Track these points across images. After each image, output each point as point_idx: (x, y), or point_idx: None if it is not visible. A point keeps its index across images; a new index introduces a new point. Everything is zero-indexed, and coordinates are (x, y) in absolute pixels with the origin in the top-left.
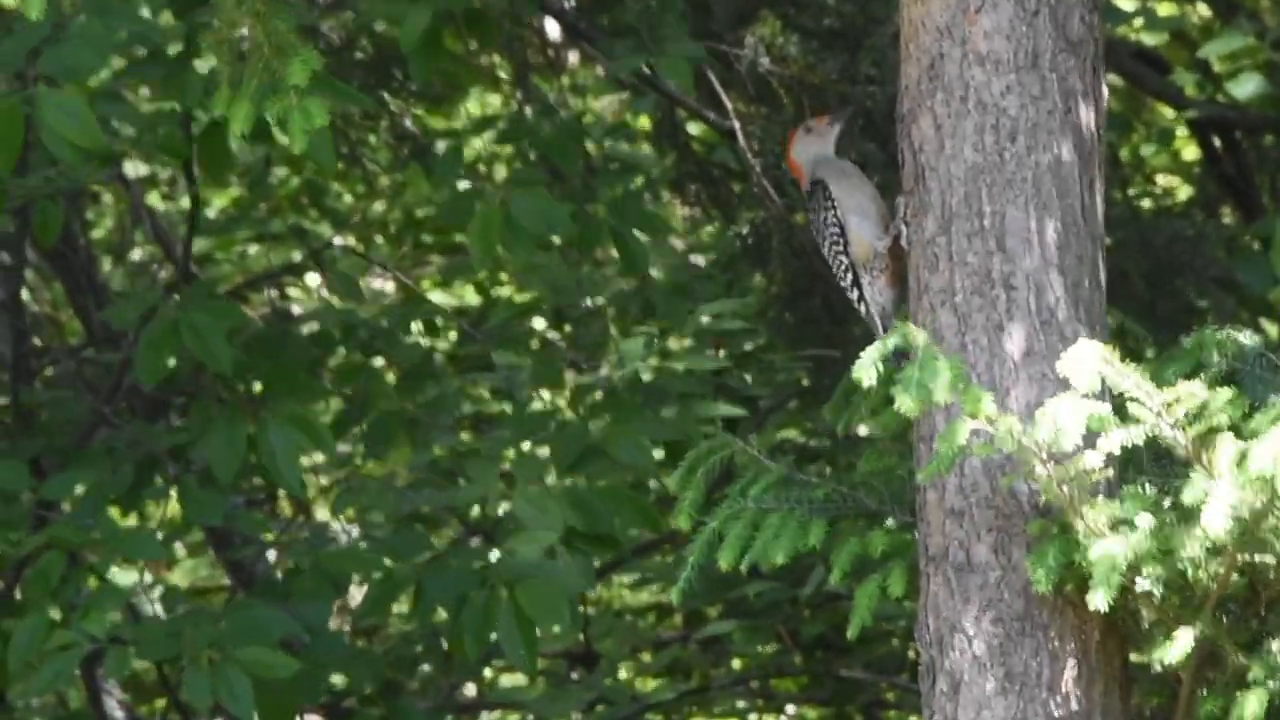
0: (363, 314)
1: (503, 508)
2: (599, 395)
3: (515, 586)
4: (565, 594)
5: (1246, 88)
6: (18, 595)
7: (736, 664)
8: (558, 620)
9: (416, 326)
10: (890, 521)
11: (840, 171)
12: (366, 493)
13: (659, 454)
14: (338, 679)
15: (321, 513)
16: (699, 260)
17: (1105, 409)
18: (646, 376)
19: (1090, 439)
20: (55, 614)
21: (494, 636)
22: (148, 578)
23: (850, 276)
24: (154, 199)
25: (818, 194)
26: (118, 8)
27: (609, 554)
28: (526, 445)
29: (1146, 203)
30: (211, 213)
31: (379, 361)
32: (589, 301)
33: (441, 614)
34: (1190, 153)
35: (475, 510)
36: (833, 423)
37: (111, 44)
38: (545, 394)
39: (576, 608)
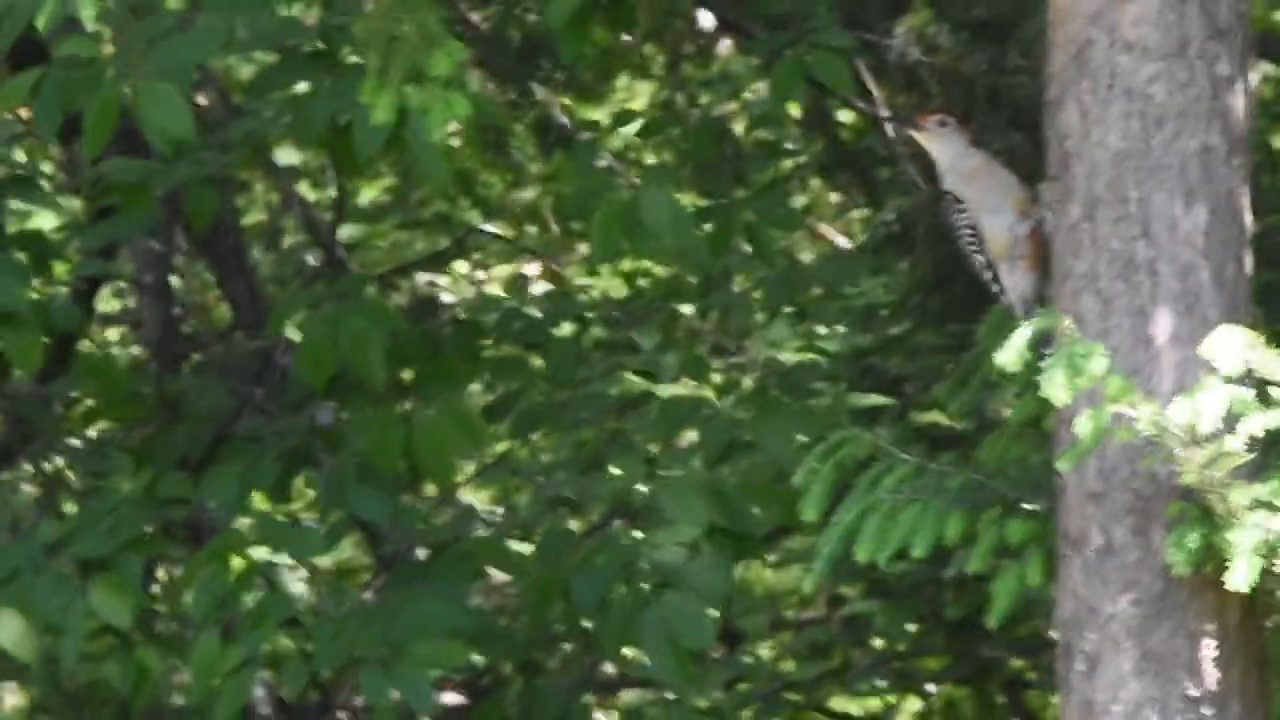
0: (514, 304)
1: (646, 496)
2: (746, 383)
3: (661, 596)
4: (708, 606)
5: None
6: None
7: (878, 644)
8: (701, 636)
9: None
10: (1027, 509)
11: (969, 174)
12: (510, 475)
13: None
14: (477, 657)
15: (465, 495)
16: (846, 245)
17: (1248, 393)
18: (790, 358)
19: (1232, 423)
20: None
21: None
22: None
23: (989, 271)
24: (304, 187)
25: (948, 200)
26: (247, 3)
27: (748, 553)
28: (669, 435)
29: None
30: (362, 201)
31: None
32: (735, 286)
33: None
34: None
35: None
36: (949, 404)
37: (222, 36)
38: (690, 382)
39: (716, 619)
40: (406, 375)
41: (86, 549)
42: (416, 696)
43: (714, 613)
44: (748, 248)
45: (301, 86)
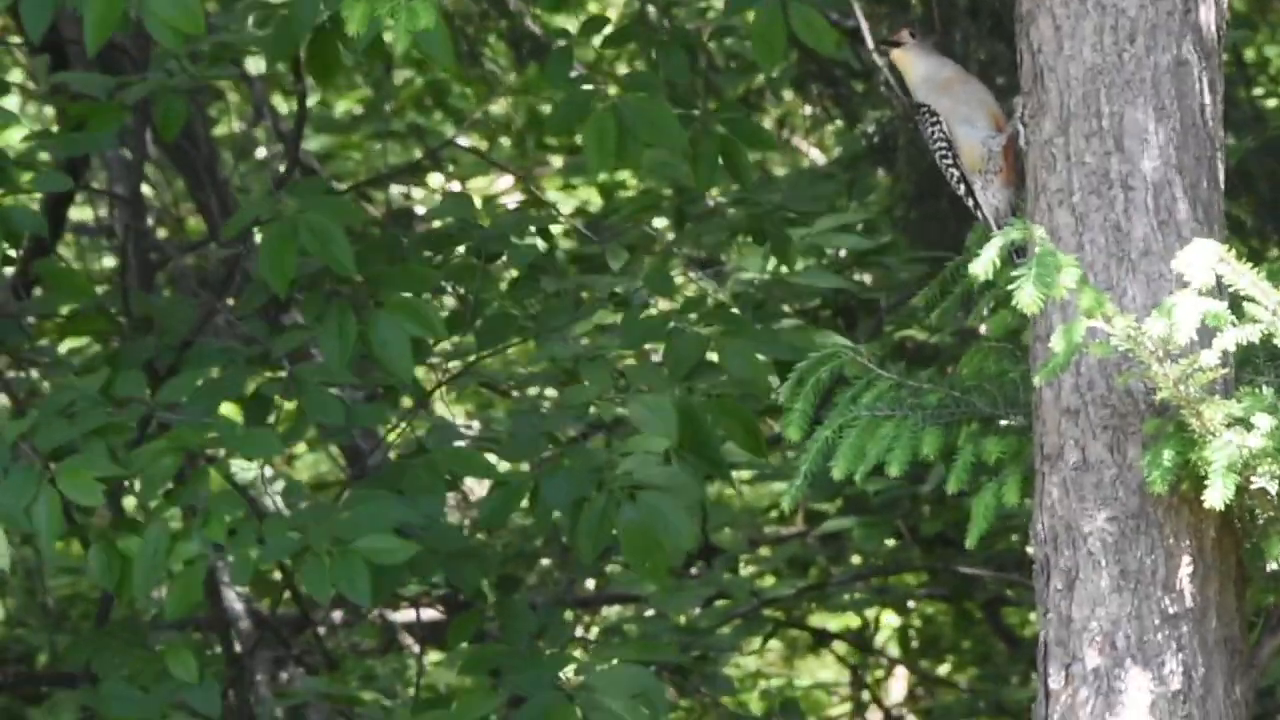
0: (484, 218)
1: (617, 410)
2: (710, 300)
3: (636, 495)
4: (686, 507)
5: None
6: (127, 502)
7: (856, 560)
8: (679, 536)
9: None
10: (1004, 425)
11: (943, 85)
12: (480, 384)
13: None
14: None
15: (441, 409)
16: (820, 159)
17: (1221, 307)
18: (763, 275)
19: (1207, 338)
20: (174, 519)
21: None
22: (269, 471)
23: (963, 185)
24: (277, 99)
25: (923, 112)
26: None
27: (716, 472)
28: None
29: (1271, 104)
30: (336, 112)
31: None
32: (711, 201)
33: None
34: None
35: (591, 411)
36: (928, 315)
37: None
38: (662, 303)
39: (693, 521)
40: (372, 282)
41: (51, 438)
42: (354, 588)
43: (690, 515)
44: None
45: None
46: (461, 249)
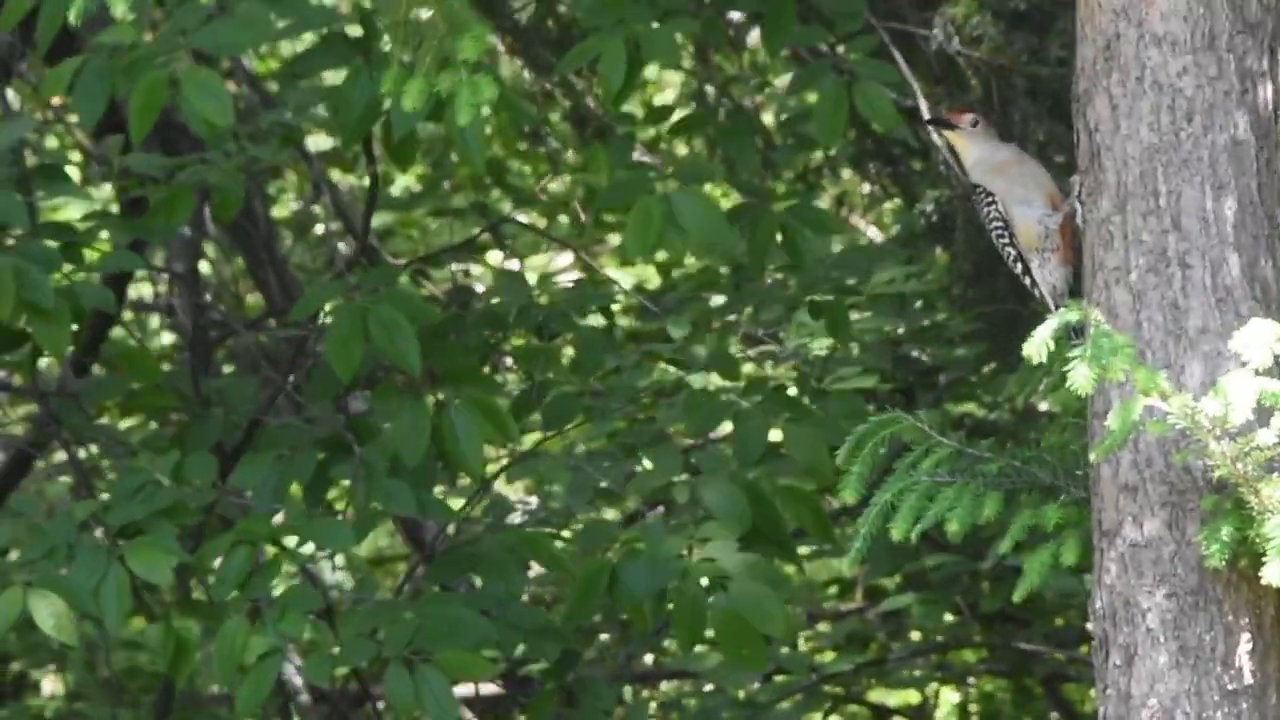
0: (542, 295)
1: (682, 491)
2: (780, 372)
3: (725, 582)
4: (774, 594)
5: None
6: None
7: (915, 636)
8: (772, 624)
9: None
10: (1064, 496)
11: (999, 168)
12: (543, 465)
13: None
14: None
15: (499, 486)
16: (878, 237)
17: (1278, 385)
18: (821, 350)
19: (1265, 416)
20: (244, 609)
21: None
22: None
23: (1020, 264)
24: (336, 174)
25: (979, 192)
26: None
27: (786, 557)
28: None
29: None
30: (394, 190)
31: (556, 341)
32: (769, 279)
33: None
34: None
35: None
36: (1015, 395)
37: (267, 27)
38: (721, 380)
39: (783, 609)
40: (436, 365)
41: (120, 516)
42: (438, 704)
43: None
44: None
45: (338, 76)
46: (521, 329)
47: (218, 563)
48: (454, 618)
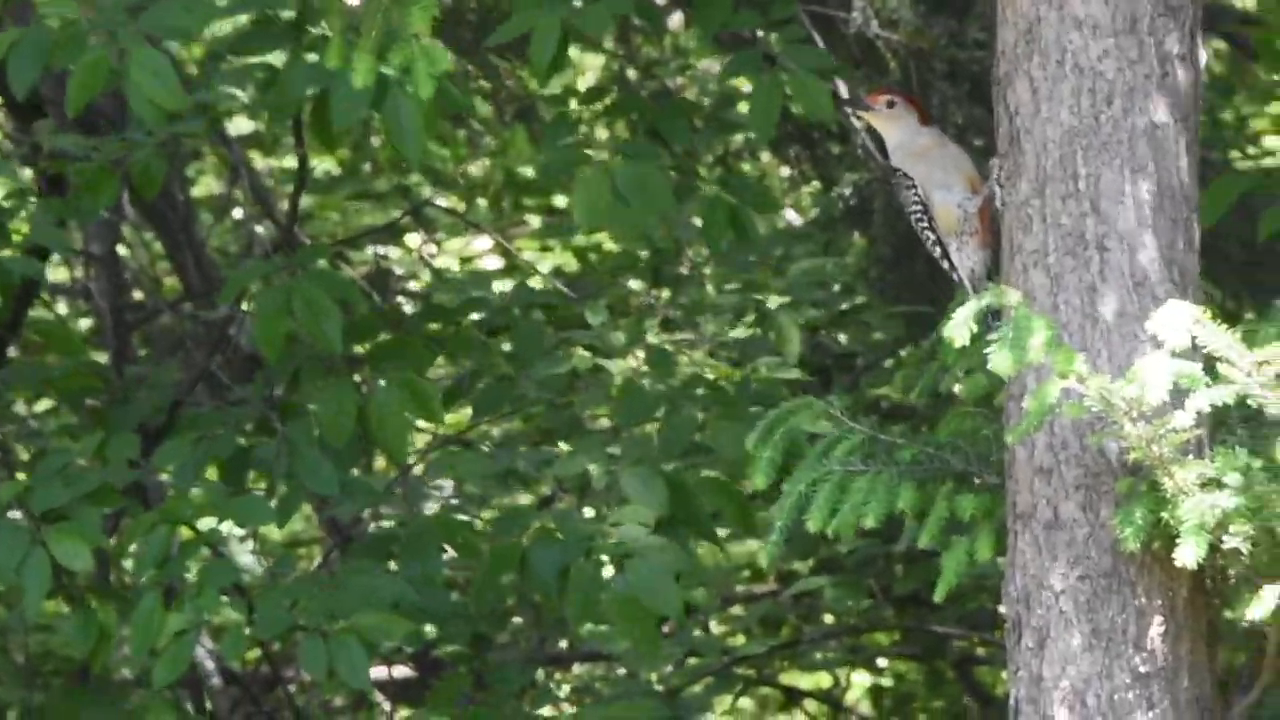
0: (478, 291)
1: (601, 479)
2: (699, 357)
3: (624, 563)
4: (672, 577)
5: None
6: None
7: (828, 619)
8: (666, 606)
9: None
10: (977, 482)
11: (919, 152)
12: (464, 459)
13: None
14: (428, 628)
15: (417, 468)
16: (796, 220)
17: (1194, 368)
18: (739, 334)
19: (1180, 398)
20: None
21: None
22: (239, 532)
23: (939, 248)
24: (255, 156)
25: (898, 176)
26: None
27: (704, 539)
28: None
29: (1248, 166)
30: (315, 173)
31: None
32: (688, 263)
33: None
34: None
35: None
36: (912, 387)
37: (213, 8)
38: (638, 356)
39: (679, 592)
40: (362, 350)
41: (45, 500)
42: (353, 670)
43: (676, 584)
44: (698, 221)
45: (273, 58)
46: (466, 321)
47: (134, 547)
48: (368, 585)
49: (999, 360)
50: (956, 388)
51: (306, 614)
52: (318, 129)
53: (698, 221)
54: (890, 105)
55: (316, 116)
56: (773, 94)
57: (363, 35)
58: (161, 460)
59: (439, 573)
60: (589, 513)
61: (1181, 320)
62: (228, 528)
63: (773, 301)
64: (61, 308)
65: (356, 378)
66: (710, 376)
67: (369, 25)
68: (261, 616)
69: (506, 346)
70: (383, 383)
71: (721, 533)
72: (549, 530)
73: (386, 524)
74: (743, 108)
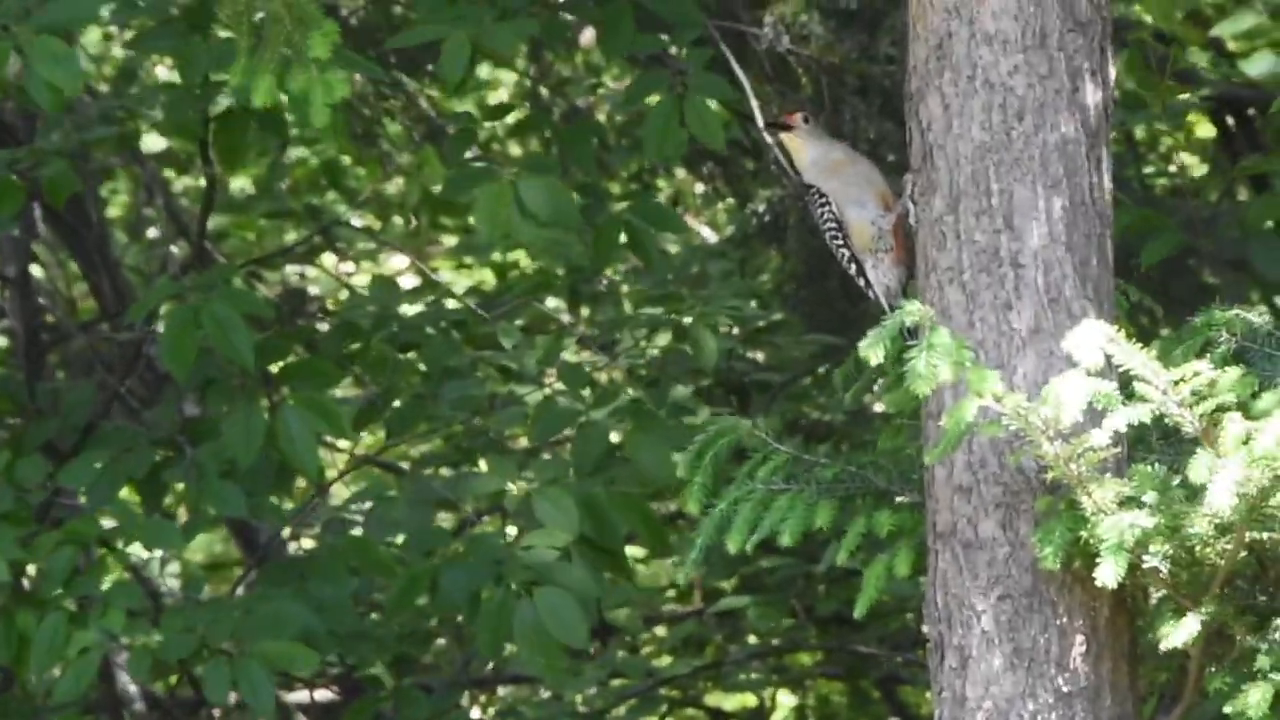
0: (389, 308)
1: (515, 498)
2: (617, 376)
3: (533, 592)
4: (582, 606)
5: (1260, 66)
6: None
7: (752, 639)
8: (574, 635)
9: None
10: (898, 500)
11: (832, 168)
12: (384, 488)
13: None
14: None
15: (338, 489)
16: (711, 236)
17: (1109, 386)
18: (655, 352)
19: (1098, 417)
20: (70, 605)
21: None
22: (159, 553)
23: (854, 265)
24: (170, 175)
25: (812, 193)
26: None
27: (613, 569)
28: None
29: (1161, 182)
30: (230, 191)
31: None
32: (605, 280)
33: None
34: (1205, 132)
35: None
36: (844, 394)
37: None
38: (560, 385)
39: (590, 619)
40: (274, 369)
41: None
42: (256, 695)
43: (585, 613)
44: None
45: (172, 76)
46: (377, 338)
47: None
48: (277, 612)
49: (914, 380)
50: (878, 404)
51: (212, 635)
52: (224, 146)
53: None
54: (806, 121)
55: (222, 133)
56: (670, 118)
57: (263, 55)
58: (67, 478)
59: (346, 594)
60: (512, 532)
61: (1096, 338)
62: (144, 550)
63: (688, 316)
64: None
65: (264, 399)
66: (629, 393)
67: (271, 46)
68: (167, 638)
69: (421, 366)
70: (290, 401)
71: (639, 552)
72: (459, 554)
73: (308, 544)
74: None
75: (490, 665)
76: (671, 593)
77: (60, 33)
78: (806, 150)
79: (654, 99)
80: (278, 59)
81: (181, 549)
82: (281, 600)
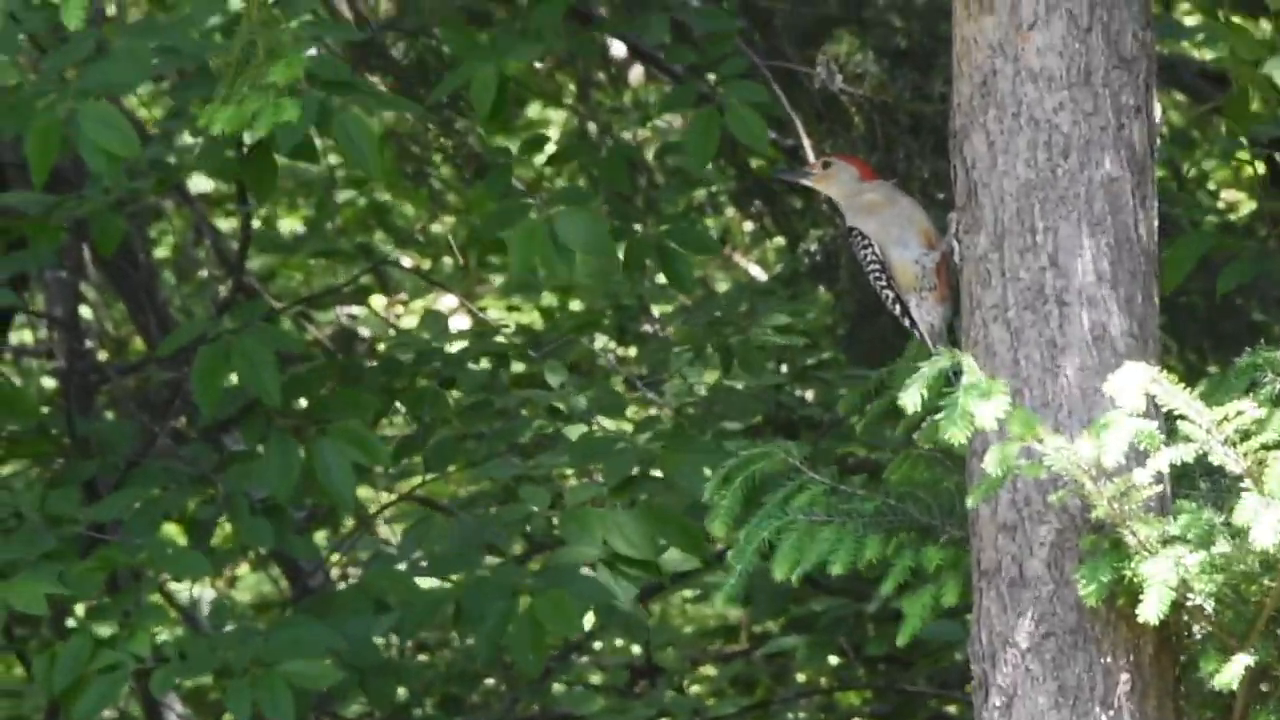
0: (434, 342)
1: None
2: (664, 415)
3: (535, 595)
4: (582, 602)
5: None
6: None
7: (800, 678)
8: (569, 627)
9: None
10: (944, 536)
11: (867, 208)
12: (433, 527)
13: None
14: (402, 692)
15: (384, 529)
16: (761, 275)
17: (1153, 426)
18: (702, 390)
19: (1141, 456)
20: (106, 631)
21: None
22: (210, 593)
23: (899, 305)
24: (218, 217)
25: (854, 235)
26: (165, 28)
27: (649, 578)
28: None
29: (1210, 220)
30: (279, 232)
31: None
32: (654, 318)
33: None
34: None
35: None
36: (856, 426)
37: (150, 61)
38: (607, 421)
39: (583, 616)
40: (311, 403)
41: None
42: (276, 709)
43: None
44: (662, 278)
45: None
46: (419, 374)
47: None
48: (298, 636)
49: (951, 429)
50: (915, 435)
51: (234, 658)
52: (254, 179)
53: (661, 279)
54: (826, 166)
55: (250, 169)
56: (709, 126)
57: (231, 90)
58: (99, 513)
59: (372, 629)
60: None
61: (1139, 379)
62: (194, 592)
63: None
64: (34, 365)
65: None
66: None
67: (241, 81)
68: (190, 657)
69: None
70: (326, 434)
71: (688, 594)
72: (482, 578)
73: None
74: None
75: (536, 705)
76: (718, 633)
77: (110, 95)
78: (837, 194)
79: (695, 112)
80: (240, 88)
81: (208, 576)
82: (305, 625)
